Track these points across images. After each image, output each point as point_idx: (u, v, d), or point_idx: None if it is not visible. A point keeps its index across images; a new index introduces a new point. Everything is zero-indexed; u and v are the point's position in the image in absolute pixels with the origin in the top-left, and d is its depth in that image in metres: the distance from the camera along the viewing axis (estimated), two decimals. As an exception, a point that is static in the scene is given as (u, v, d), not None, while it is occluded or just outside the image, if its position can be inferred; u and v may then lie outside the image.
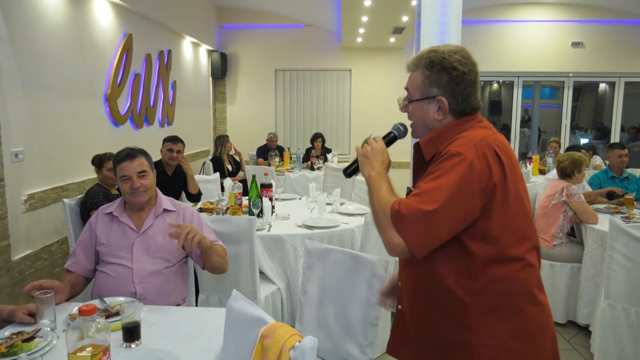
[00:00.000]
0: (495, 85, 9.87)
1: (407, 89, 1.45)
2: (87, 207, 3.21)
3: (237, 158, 6.58)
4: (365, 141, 1.47)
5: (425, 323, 1.40)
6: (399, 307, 1.52)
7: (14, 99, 3.31)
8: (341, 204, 3.73)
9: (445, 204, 1.22)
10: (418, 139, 1.46)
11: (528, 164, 6.44)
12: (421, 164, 1.44)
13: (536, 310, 1.34)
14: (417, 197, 1.25)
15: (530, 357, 1.32)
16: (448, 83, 1.35)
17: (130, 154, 2.21)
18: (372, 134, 1.51)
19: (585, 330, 3.46)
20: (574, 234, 3.94)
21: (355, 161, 1.48)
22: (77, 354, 1.29)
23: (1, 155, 3.15)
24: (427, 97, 1.38)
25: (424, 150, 1.41)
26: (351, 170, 1.51)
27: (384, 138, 1.48)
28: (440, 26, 1.91)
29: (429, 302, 1.37)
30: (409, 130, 1.51)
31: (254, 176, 3.48)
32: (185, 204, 2.38)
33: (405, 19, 6.46)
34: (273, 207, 3.46)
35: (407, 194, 1.46)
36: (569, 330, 3.56)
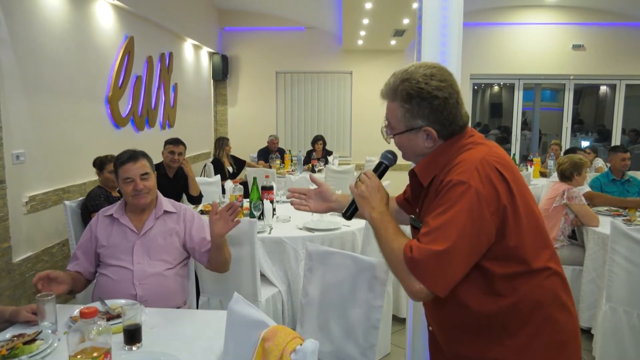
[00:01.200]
0: (496, 88, 9.88)
1: (387, 120, 1.39)
2: (88, 209, 3.21)
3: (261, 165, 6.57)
4: (359, 179, 1.41)
5: (457, 345, 1.36)
6: (430, 328, 1.50)
7: (15, 101, 3.32)
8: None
9: (458, 239, 1.17)
10: (413, 164, 1.42)
11: (529, 167, 6.43)
12: (419, 189, 1.41)
13: (566, 317, 1.32)
14: (428, 236, 1.19)
15: None
16: (431, 113, 1.29)
17: (133, 156, 2.22)
18: (362, 170, 1.48)
19: (587, 334, 3.44)
20: (575, 236, 3.93)
21: (352, 202, 1.45)
22: (78, 356, 1.28)
23: (2, 157, 3.15)
24: (412, 129, 1.33)
25: (420, 177, 1.37)
26: (351, 212, 1.48)
27: (375, 171, 1.43)
28: (441, 29, 1.91)
29: (458, 326, 1.34)
30: (399, 156, 1.47)
31: (255, 178, 3.48)
32: (186, 206, 2.38)
33: (406, 21, 6.47)
34: (274, 209, 3.46)
35: (410, 224, 1.45)
36: (570, 333, 3.55)
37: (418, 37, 2.01)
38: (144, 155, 2.27)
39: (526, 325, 1.27)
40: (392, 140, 1.42)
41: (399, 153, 1.46)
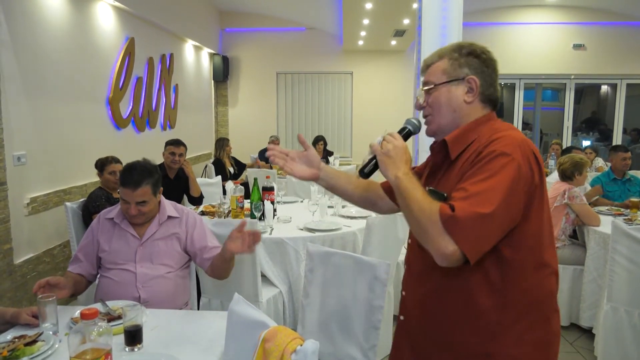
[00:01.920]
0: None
1: (426, 81, 1.40)
2: (89, 211, 3.22)
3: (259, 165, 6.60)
4: (383, 138, 1.37)
5: (439, 333, 1.34)
6: (401, 317, 1.47)
7: (16, 102, 3.32)
8: (343, 206, 3.73)
9: (501, 205, 1.15)
10: (438, 133, 1.41)
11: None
12: (441, 164, 1.39)
13: (556, 319, 1.33)
14: (468, 200, 1.16)
15: None
16: (479, 65, 1.35)
17: (135, 182, 2.08)
18: (387, 129, 1.45)
19: (589, 333, 3.44)
20: (576, 236, 3.93)
21: (372, 160, 1.38)
22: (79, 357, 1.29)
23: (4, 159, 3.16)
24: (455, 79, 1.35)
25: (451, 148, 1.34)
26: (369, 170, 1.40)
27: (399, 133, 1.41)
28: (441, 29, 1.91)
29: (447, 312, 1.31)
30: (422, 125, 1.46)
31: (255, 179, 3.48)
32: (188, 209, 2.37)
33: (406, 21, 6.47)
34: (275, 210, 3.46)
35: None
36: (572, 333, 3.55)
37: (418, 37, 2.01)
38: (148, 177, 2.12)
39: (519, 321, 1.27)
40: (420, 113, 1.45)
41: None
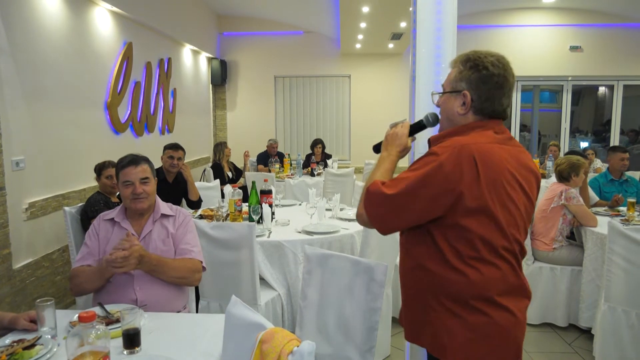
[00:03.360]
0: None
1: (443, 85, 1.53)
2: (87, 215, 3.22)
3: (245, 160, 6.65)
4: (395, 124, 1.60)
5: (405, 300, 1.55)
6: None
7: (14, 107, 3.33)
8: (341, 209, 3.74)
9: (402, 193, 1.35)
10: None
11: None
12: None
13: (496, 313, 1.37)
14: (388, 181, 1.42)
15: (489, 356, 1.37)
16: (476, 80, 1.42)
17: (134, 160, 2.23)
18: (406, 118, 1.63)
19: (587, 334, 3.45)
20: (573, 237, 3.94)
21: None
22: (77, 360, 1.29)
23: (2, 164, 3.16)
24: (454, 91, 1.46)
25: (430, 146, 1.49)
26: (377, 147, 1.65)
27: (413, 124, 1.60)
28: (435, 32, 1.93)
29: (407, 282, 1.52)
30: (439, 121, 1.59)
31: (253, 182, 3.49)
32: (185, 211, 2.39)
33: (403, 24, 6.49)
34: (273, 213, 3.47)
35: None
36: (570, 333, 3.55)
37: (413, 41, 2.03)
38: (145, 160, 2.28)
39: (456, 302, 1.38)
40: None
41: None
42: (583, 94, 9.42)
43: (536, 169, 1.51)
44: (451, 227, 1.35)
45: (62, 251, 3.83)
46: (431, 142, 1.51)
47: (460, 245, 1.35)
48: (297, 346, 1.24)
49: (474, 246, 1.34)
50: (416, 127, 1.60)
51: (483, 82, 1.41)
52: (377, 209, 1.41)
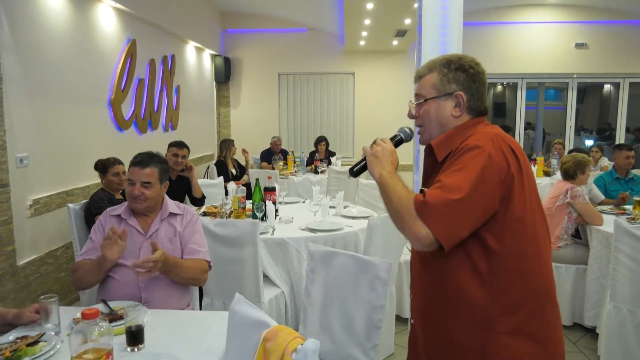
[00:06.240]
0: (499, 87, 9.85)
1: (418, 94, 1.47)
2: (91, 212, 3.23)
3: (245, 157, 6.64)
4: (374, 142, 1.47)
5: (438, 329, 1.38)
6: (412, 322, 1.52)
7: (18, 104, 3.33)
8: (345, 207, 3.73)
9: (470, 194, 1.22)
10: (429, 142, 1.46)
11: (532, 166, 6.42)
12: (432, 167, 1.45)
13: (553, 311, 1.34)
14: (441, 189, 1.24)
15: None
16: (466, 80, 1.40)
17: (142, 161, 2.20)
18: (379, 136, 1.52)
19: (592, 333, 3.43)
20: (579, 235, 3.92)
21: (362, 161, 1.47)
22: (80, 357, 1.29)
23: (6, 160, 3.17)
24: (444, 94, 1.41)
25: (436, 151, 1.41)
26: (358, 169, 1.49)
27: (391, 140, 1.49)
28: (441, 28, 1.91)
29: (443, 307, 1.35)
30: (414, 134, 1.53)
31: (257, 180, 3.49)
32: (193, 210, 2.38)
33: (407, 21, 6.46)
34: (277, 210, 3.47)
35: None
36: (575, 332, 3.53)
37: (418, 37, 2.01)
38: (156, 163, 2.23)
39: (514, 314, 1.29)
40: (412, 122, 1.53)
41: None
42: (588, 91, 9.36)
43: None
44: (501, 221, 1.27)
45: (65, 248, 3.84)
46: (435, 146, 1.42)
47: (513, 240, 1.29)
48: (301, 344, 1.23)
49: (529, 239, 1.31)
50: (396, 143, 1.51)
51: (473, 80, 1.41)
52: (446, 220, 1.22)
